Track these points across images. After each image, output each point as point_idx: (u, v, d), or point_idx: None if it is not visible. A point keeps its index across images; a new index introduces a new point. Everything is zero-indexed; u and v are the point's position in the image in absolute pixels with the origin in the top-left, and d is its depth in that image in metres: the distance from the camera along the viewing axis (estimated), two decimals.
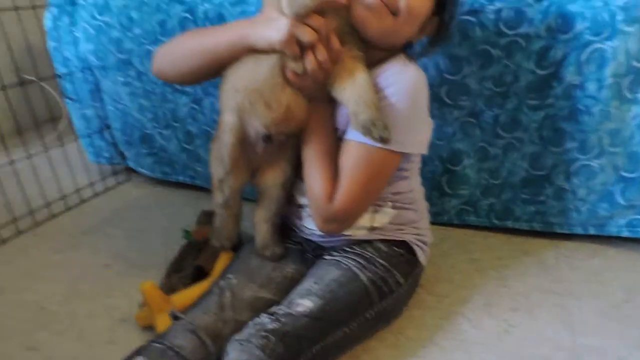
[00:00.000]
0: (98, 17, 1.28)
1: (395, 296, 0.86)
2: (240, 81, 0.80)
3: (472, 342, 0.89)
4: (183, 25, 1.19)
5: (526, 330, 0.92)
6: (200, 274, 1.01)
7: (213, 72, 0.83)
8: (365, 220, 0.89)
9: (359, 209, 0.82)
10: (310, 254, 0.95)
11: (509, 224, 1.23)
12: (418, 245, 0.93)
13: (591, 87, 1.01)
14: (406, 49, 0.88)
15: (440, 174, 1.21)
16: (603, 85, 1.00)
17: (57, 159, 1.40)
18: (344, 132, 0.82)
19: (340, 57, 0.74)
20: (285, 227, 0.99)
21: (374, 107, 0.72)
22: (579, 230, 1.18)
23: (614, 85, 0.99)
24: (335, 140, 0.83)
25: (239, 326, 0.77)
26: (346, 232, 0.89)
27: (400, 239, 0.91)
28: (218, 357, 0.75)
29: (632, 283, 1.04)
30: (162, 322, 0.86)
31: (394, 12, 0.75)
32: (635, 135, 1.03)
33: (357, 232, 0.90)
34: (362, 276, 0.84)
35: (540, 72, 1.03)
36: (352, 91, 0.74)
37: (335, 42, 0.73)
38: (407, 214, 0.92)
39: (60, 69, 1.45)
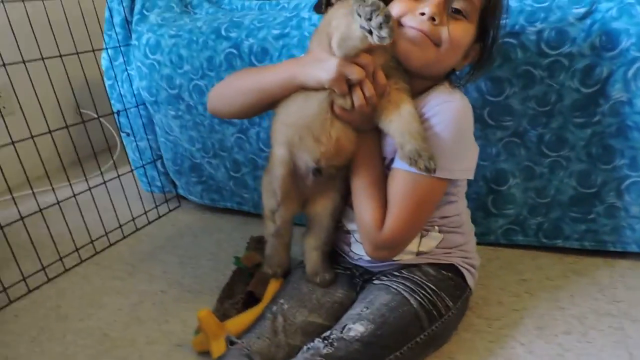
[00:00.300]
0: (150, 56, 1.36)
1: (445, 320, 0.86)
2: (290, 117, 0.84)
3: None
4: (229, 60, 1.25)
5: (581, 354, 0.90)
6: (251, 300, 1.04)
7: (263, 108, 0.88)
8: (412, 244, 0.90)
9: (408, 235, 0.84)
10: (358, 278, 0.96)
11: (559, 243, 1.21)
12: (466, 269, 0.93)
13: None
14: (450, 76, 0.89)
15: (485, 194, 1.21)
16: None
17: (113, 189, 1.48)
18: (391, 160, 0.84)
19: (387, 91, 0.77)
20: (334, 253, 1.01)
21: (419, 138, 0.74)
22: (633, 248, 1.15)
23: None
24: (383, 169, 0.85)
25: (292, 350, 0.79)
26: (394, 258, 0.90)
27: (449, 263, 0.92)
28: None
29: None
30: (217, 348, 0.89)
31: (437, 43, 0.77)
32: None
33: (404, 256, 0.91)
34: (412, 300, 0.85)
35: (585, 90, 1.02)
36: (397, 123, 0.76)
37: (381, 77, 0.76)
38: (454, 238, 0.92)
39: (116, 105, 1.54)
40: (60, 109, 1.34)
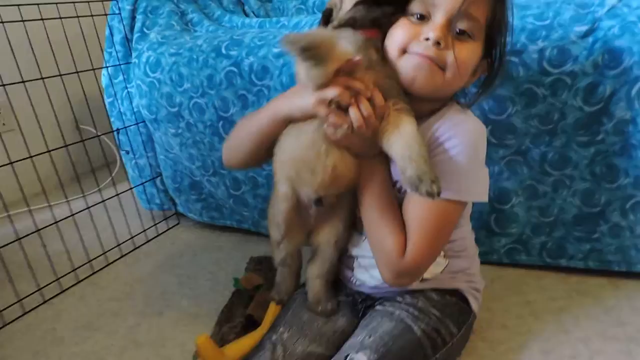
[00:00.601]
0: (150, 74, 1.35)
1: (448, 347, 0.84)
2: (285, 153, 0.83)
3: None
4: (229, 79, 1.24)
5: None
6: (250, 323, 1.02)
7: (268, 150, 0.86)
8: None
9: (429, 260, 0.82)
10: (360, 304, 0.94)
11: (563, 262, 1.19)
12: (471, 293, 0.91)
13: None
14: (458, 94, 0.87)
15: (487, 213, 1.19)
16: None
17: (112, 206, 1.46)
18: (395, 182, 0.83)
19: (386, 112, 0.75)
20: (336, 281, 0.98)
21: (421, 161, 0.71)
22: (639, 269, 1.13)
23: None
24: (394, 194, 0.83)
25: None
26: None
27: (453, 288, 0.90)
28: None
29: None
30: None
31: (443, 68, 0.75)
32: None
33: None
34: (416, 328, 0.83)
35: (588, 108, 1.01)
36: (398, 146, 0.74)
37: (379, 98, 0.74)
38: (459, 262, 0.90)
39: (116, 122, 1.54)
40: (60, 127, 1.34)
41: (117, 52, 1.46)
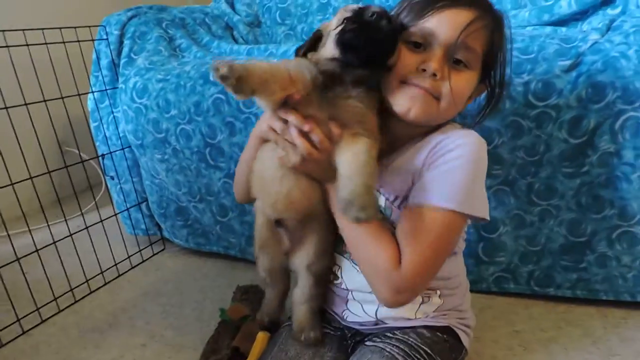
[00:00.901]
0: (137, 99, 1.34)
1: None
2: (254, 169, 0.85)
3: None
4: (217, 106, 1.24)
5: None
6: (236, 356, 1.00)
7: None
8: (409, 310, 0.86)
9: (429, 274, 0.77)
10: (349, 340, 0.92)
11: (551, 291, 1.19)
12: (462, 330, 0.90)
13: (628, 154, 1.00)
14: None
15: (475, 241, 1.19)
16: None
17: (95, 231, 1.44)
18: (395, 198, 0.81)
19: (338, 139, 0.74)
20: (324, 313, 0.97)
21: (359, 184, 0.68)
22: (626, 298, 1.13)
23: None
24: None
25: None
26: (389, 322, 0.87)
27: (444, 325, 0.88)
28: None
29: None
30: None
31: (438, 97, 0.76)
32: None
33: (399, 322, 0.87)
34: None
35: (573, 141, 1.02)
36: (343, 164, 0.72)
37: (316, 132, 0.73)
38: (451, 301, 0.89)
39: (101, 147, 1.52)
40: (42, 151, 1.31)
41: (103, 77, 1.45)
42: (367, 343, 0.87)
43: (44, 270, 1.29)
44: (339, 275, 0.91)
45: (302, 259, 0.89)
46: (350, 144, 0.73)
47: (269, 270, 0.94)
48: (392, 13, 0.79)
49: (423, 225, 0.75)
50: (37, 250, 1.27)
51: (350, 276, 0.88)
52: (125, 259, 1.51)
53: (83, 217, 1.42)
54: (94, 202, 1.64)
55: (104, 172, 1.55)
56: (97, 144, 1.54)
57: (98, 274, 1.42)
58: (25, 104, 1.23)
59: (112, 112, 1.46)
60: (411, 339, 0.84)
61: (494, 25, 0.78)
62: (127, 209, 1.56)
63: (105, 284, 1.43)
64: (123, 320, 1.25)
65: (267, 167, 0.82)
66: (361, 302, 0.89)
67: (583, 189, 1.06)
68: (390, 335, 0.86)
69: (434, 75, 0.74)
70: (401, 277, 0.75)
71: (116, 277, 1.46)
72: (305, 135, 0.74)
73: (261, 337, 1.00)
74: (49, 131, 1.33)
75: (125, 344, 1.15)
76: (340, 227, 0.83)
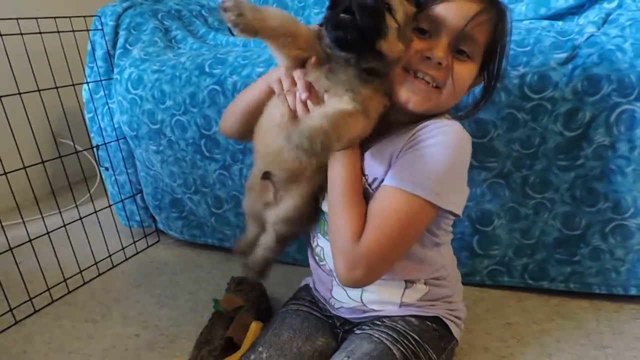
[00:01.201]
0: (132, 90, 1.34)
1: None
2: (259, 119, 0.87)
3: None
4: (212, 97, 1.23)
5: None
6: (230, 346, 1.00)
7: (256, 119, 0.88)
8: (395, 294, 0.87)
9: (386, 257, 0.77)
10: (339, 329, 0.93)
11: (545, 284, 1.19)
12: (452, 320, 0.90)
13: (623, 147, 1.00)
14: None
15: (470, 234, 1.19)
16: (635, 145, 0.99)
17: (89, 223, 1.43)
18: (374, 180, 0.81)
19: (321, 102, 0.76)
20: (315, 300, 0.98)
21: (315, 125, 0.67)
22: (619, 291, 1.14)
23: None
24: (361, 187, 0.81)
25: None
26: (375, 307, 0.87)
27: (433, 315, 0.89)
28: None
29: None
30: None
31: (439, 86, 0.76)
32: None
33: (386, 307, 0.88)
34: (395, 350, 0.81)
35: (568, 133, 1.02)
36: (312, 111, 0.75)
37: (314, 95, 0.76)
38: (439, 291, 0.89)
39: (96, 138, 1.51)
40: (36, 141, 1.30)
41: (98, 68, 1.44)
42: (357, 331, 0.88)
43: (38, 260, 1.29)
44: (323, 257, 0.92)
45: (272, 216, 0.93)
46: (331, 101, 0.75)
47: (248, 212, 1.01)
48: None
49: (388, 206, 0.75)
50: (30, 241, 1.26)
51: (331, 258, 0.88)
52: (120, 250, 1.50)
53: (77, 209, 1.41)
54: (88, 195, 1.63)
55: (98, 163, 1.54)
56: (91, 135, 1.53)
57: (92, 265, 1.42)
58: (19, 93, 1.22)
59: (107, 103, 1.45)
60: (399, 326, 0.85)
61: (498, 18, 0.78)
62: (122, 201, 1.55)
63: (99, 275, 1.42)
64: (116, 311, 1.24)
65: (267, 120, 0.84)
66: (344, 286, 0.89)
67: (578, 182, 1.07)
68: (379, 323, 0.87)
69: (439, 64, 0.74)
70: (357, 252, 0.75)
71: (110, 269, 1.45)
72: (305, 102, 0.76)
73: (254, 326, 1.00)
74: (44, 122, 1.32)
75: (118, 334, 1.15)
76: (329, 190, 0.82)
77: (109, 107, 1.46)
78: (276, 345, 0.88)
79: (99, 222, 1.47)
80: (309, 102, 0.76)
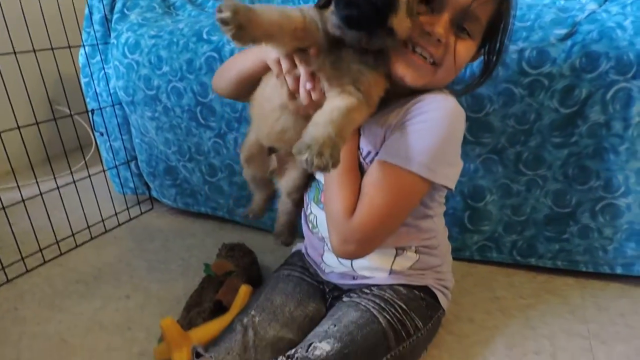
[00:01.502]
0: (129, 55, 1.33)
1: (412, 341, 0.84)
2: (255, 94, 0.85)
3: None
4: (209, 64, 1.22)
5: None
6: (219, 309, 1.01)
7: (248, 88, 0.87)
8: (385, 261, 0.88)
9: (379, 231, 0.78)
10: (328, 295, 0.94)
11: (533, 261, 1.21)
12: (440, 290, 0.91)
13: (617, 125, 1.00)
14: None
15: (461, 210, 1.20)
16: (630, 124, 0.99)
17: (83, 188, 1.43)
18: (368, 153, 0.81)
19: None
20: (306, 265, 0.99)
21: (322, 130, 0.66)
22: (605, 270, 1.15)
23: None
24: (357, 162, 0.82)
25: None
26: (365, 274, 0.88)
27: (421, 284, 0.89)
28: None
29: None
30: (180, 358, 0.86)
31: (438, 63, 0.75)
32: None
33: (376, 273, 0.89)
34: (381, 318, 0.82)
35: (564, 110, 1.02)
36: (315, 115, 0.71)
37: (317, 86, 0.74)
38: (429, 260, 0.90)
39: (91, 103, 1.50)
40: (31, 104, 1.30)
41: (95, 32, 1.43)
42: (344, 299, 0.89)
43: (31, 222, 1.29)
44: (316, 224, 0.92)
45: (285, 186, 0.96)
46: (334, 98, 0.72)
47: (253, 180, 1.03)
48: None
49: (382, 181, 0.76)
50: (23, 201, 1.26)
51: (324, 226, 0.89)
52: (113, 215, 1.51)
53: (72, 175, 1.41)
54: (83, 162, 1.63)
55: (93, 128, 1.54)
56: (87, 100, 1.52)
57: (84, 229, 1.42)
58: (14, 52, 1.21)
59: (104, 68, 1.44)
60: (387, 295, 0.86)
61: None
62: (116, 167, 1.55)
63: (92, 239, 1.43)
64: (108, 273, 1.25)
65: (268, 98, 0.82)
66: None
67: (571, 159, 1.07)
68: (367, 291, 0.88)
69: (438, 40, 0.73)
70: (349, 226, 0.76)
71: (102, 233, 1.46)
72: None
73: (244, 290, 1.01)
74: (39, 86, 1.31)
75: (109, 295, 1.16)
76: None
77: (105, 72, 1.45)
78: (269, 309, 0.88)
79: (93, 189, 1.47)
80: (312, 93, 0.74)
